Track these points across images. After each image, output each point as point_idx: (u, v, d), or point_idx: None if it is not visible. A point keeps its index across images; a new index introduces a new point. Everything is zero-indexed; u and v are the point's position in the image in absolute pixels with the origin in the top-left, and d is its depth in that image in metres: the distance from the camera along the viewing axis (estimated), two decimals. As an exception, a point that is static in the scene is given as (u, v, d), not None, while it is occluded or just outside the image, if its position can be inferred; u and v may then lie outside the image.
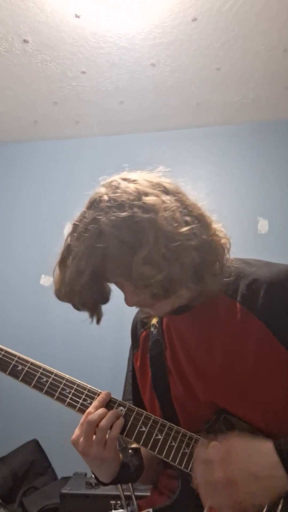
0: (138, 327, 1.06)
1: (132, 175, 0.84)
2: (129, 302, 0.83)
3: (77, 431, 0.85)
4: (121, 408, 0.87)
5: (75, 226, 0.81)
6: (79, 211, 0.83)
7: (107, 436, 0.83)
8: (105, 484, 0.91)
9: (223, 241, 0.86)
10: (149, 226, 0.75)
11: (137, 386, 1.04)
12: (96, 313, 0.87)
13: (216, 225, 0.87)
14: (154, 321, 0.99)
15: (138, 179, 0.82)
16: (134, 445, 0.92)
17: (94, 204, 0.80)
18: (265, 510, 0.73)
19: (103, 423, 0.83)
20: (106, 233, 0.75)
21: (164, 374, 0.93)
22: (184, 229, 0.77)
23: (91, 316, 0.87)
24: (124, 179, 0.82)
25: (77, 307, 0.85)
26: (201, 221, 0.83)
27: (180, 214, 0.79)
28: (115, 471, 0.88)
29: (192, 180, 2.73)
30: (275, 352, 0.80)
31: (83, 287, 0.79)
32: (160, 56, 2.17)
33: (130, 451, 0.91)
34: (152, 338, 0.97)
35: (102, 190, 0.81)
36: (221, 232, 0.87)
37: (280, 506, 0.73)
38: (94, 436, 0.83)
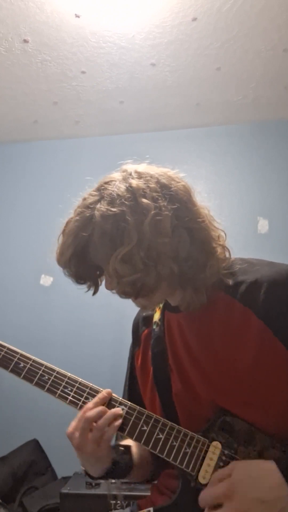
0: (140, 325, 1.06)
1: (147, 170, 0.85)
2: (106, 286, 0.86)
3: (73, 424, 0.85)
4: (122, 407, 0.87)
5: (79, 202, 0.86)
6: (91, 187, 0.87)
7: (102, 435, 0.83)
8: (94, 478, 0.91)
9: (220, 256, 0.86)
10: (134, 227, 0.77)
11: (133, 383, 1.04)
12: (90, 283, 0.91)
13: (218, 242, 0.87)
14: (156, 318, 0.99)
15: (148, 176, 0.83)
16: (125, 442, 0.93)
17: (100, 188, 0.84)
18: None
19: (100, 422, 0.83)
20: (95, 221, 0.80)
21: (165, 372, 0.93)
22: (167, 240, 0.78)
23: (88, 286, 0.91)
24: (136, 172, 0.84)
25: (72, 276, 0.89)
26: (196, 235, 0.83)
27: (170, 224, 0.79)
28: (106, 467, 0.89)
29: (192, 180, 2.73)
30: (275, 351, 0.81)
31: (70, 260, 0.85)
32: (160, 56, 2.17)
33: (121, 448, 0.92)
34: (154, 335, 0.97)
35: (114, 176, 0.85)
36: (220, 246, 0.87)
37: None
38: (90, 434, 0.82)
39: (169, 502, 0.84)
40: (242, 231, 2.64)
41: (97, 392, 0.88)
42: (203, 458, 0.81)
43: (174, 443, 0.83)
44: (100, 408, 0.84)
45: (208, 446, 0.81)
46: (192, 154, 2.81)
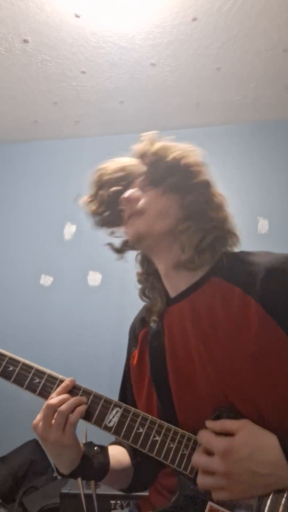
0: (137, 326, 1.06)
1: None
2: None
3: (38, 416, 0.84)
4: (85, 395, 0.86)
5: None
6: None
7: (66, 420, 0.82)
8: (65, 476, 0.88)
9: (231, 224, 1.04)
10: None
11: (127, 383, 1.04)
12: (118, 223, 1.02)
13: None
14: (154, 316, 0.99)
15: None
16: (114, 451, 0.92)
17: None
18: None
19: (63, 407, 0.82)
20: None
21: (163, 366, 0.92)
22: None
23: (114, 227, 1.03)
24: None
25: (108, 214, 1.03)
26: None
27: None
28: (75, 461, 0.86)
29: (192, 180, 2.73)
30: (276, 338, 0.79)
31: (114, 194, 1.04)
32: (160, 56, 2.17)
33: (96, 448, 0.90)
34: (152, 331, 0.97)
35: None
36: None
37: (270, 496, 0.72)
38: (53, 420, 0.82)
39: (167, 506, 0.83)
40: (242, 231, 2.61)
41: (90, 393, 0.86)
42: None
43: (172, 445, 0.81)
44: (63, 395, 0.84)
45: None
46: (192, 154, 2.81)
